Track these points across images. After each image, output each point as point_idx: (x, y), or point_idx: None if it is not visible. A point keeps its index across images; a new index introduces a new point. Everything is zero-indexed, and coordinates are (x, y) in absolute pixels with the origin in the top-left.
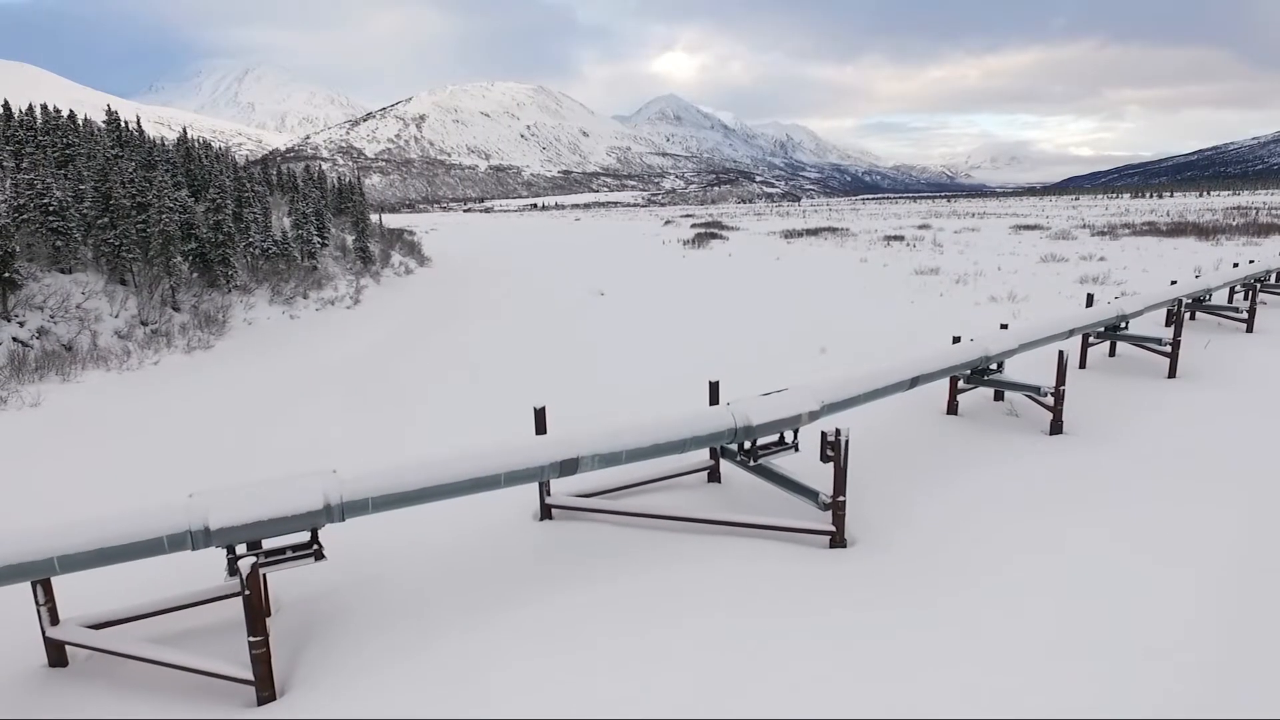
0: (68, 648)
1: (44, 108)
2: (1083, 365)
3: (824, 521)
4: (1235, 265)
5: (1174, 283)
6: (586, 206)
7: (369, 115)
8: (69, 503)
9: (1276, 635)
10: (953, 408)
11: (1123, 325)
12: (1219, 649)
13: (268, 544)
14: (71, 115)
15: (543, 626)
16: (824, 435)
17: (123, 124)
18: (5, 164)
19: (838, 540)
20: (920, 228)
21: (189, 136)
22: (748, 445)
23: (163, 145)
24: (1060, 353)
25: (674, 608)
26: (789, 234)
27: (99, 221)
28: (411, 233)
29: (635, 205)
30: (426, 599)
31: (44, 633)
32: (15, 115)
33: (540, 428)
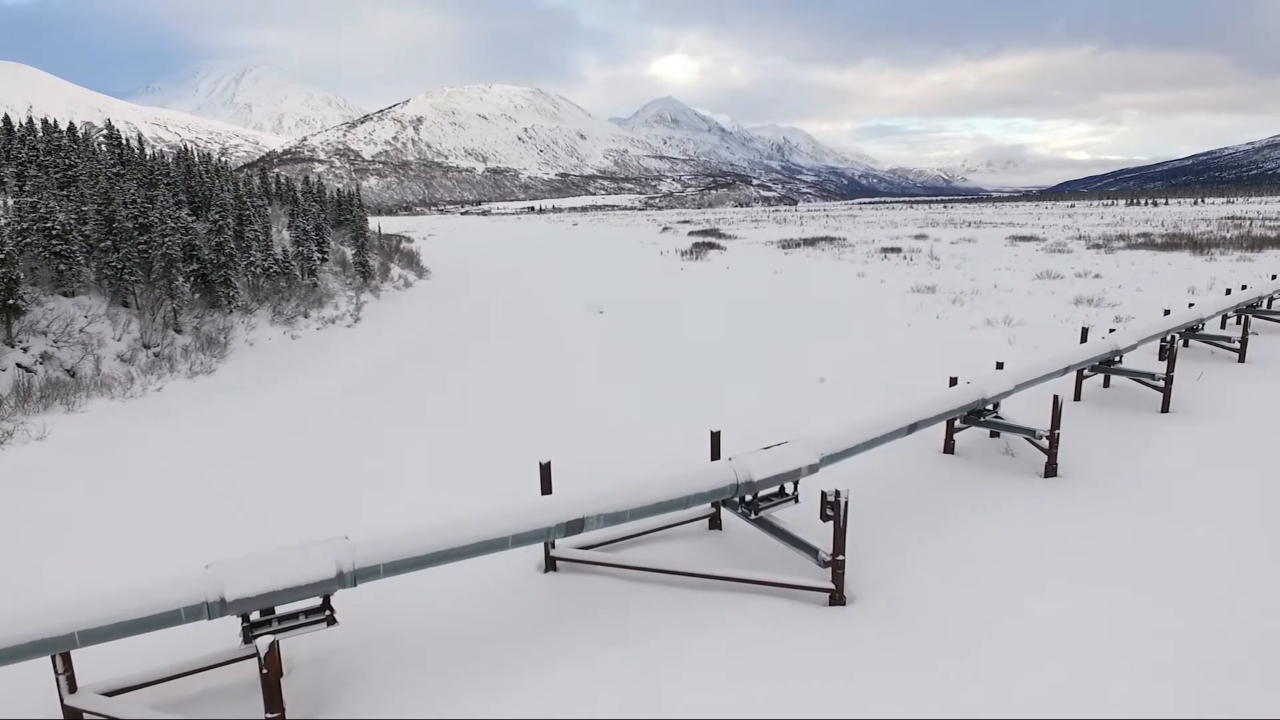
0: (85, 715)
1: (45, 122)
2: (1077, 398)
3: (823, 578)
4: (1228, 291)
5: (1167, 312)
6: (584, 210)
7: (366, 117)
8: (82, 548)
9: (1272, 684)
10: (949, 446)
11: (1117, 359)
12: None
13: (280, 609)
14: (72, 130)
15: (551, 694)
16: (824, 495)
17: (124, 140)
18: (7, 183)
19: (837, 598)
20: (917, 238)
21: (189, 151)
22: (749, 498)
23: (163, 160)
24: (1055, 397)
25: (677, 672)
26: (786, 244)
27: (101, 244)
28: (409, 239)
29: (632, 209)
30: (438, 661)
31: (62, 700)
32: (16, 128)
33: (546, 486)
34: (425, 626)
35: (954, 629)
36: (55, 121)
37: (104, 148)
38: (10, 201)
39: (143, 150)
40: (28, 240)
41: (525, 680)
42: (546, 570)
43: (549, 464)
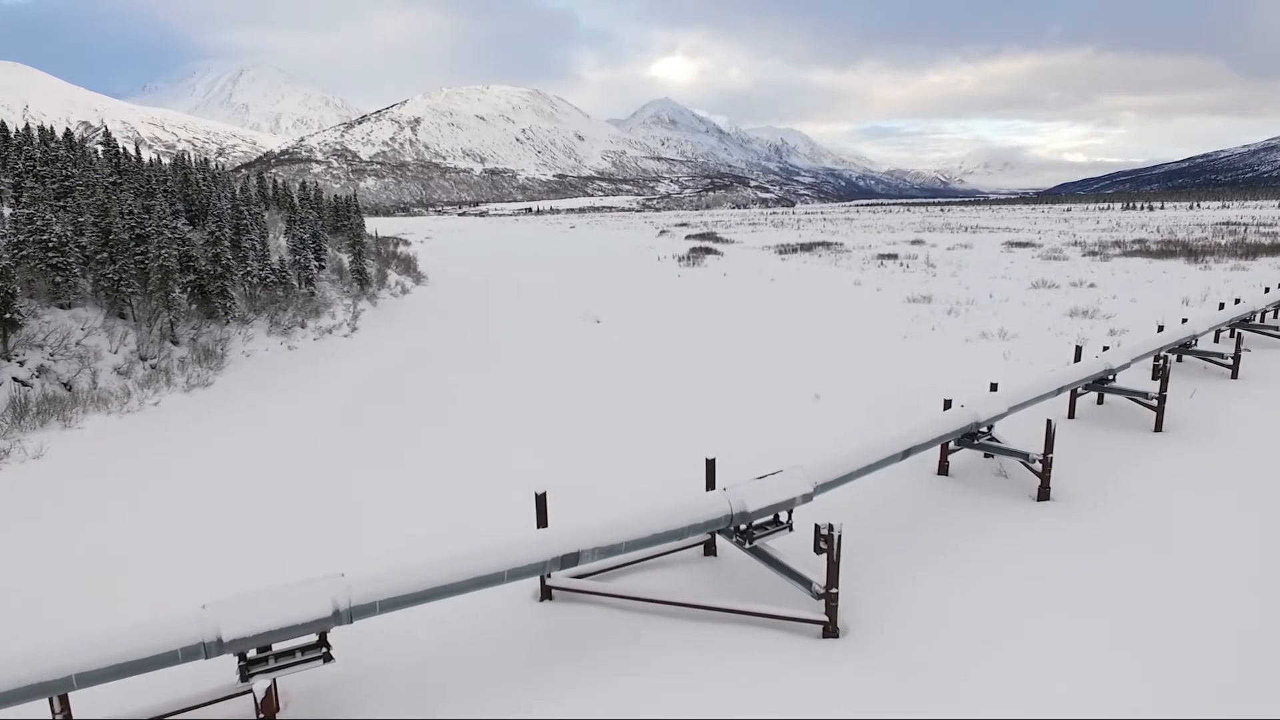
0: None
1: (42, 130)
2: (1071, 415)
3: (816, 610)
4: (1221, 306)
5: (1161, 328)
6: (581, 211)
7: (364, 118)
8: (81, 571)
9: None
10: (943, 468)
11: (1110, 378)
12: None
13: (277, 645)
14: (69, 138)
15: None
16: (817, 528)
17: (121, 149)
18: (3, 194)
19: (830, 630)
20: (913, 243)
21: (187, 157)
22: (743, 527)
23: (160, 168)
24: (1049, 421)
25: (670, 705)
26: (783, 249)
27: (98, 256)
28: (407, 242)
29: (630, 210)
30: (435, 697)
31: None
32: (12, 136)
33: (541, 518)
34: (422, 660)
35: (946, 663)
36: (51, 127)
37: (100, 155)
38: (7, 213)
39: (139, 158)
40: (24, 253)
41: (520, 711)
42: (542, 599)
43: (544, 495)
